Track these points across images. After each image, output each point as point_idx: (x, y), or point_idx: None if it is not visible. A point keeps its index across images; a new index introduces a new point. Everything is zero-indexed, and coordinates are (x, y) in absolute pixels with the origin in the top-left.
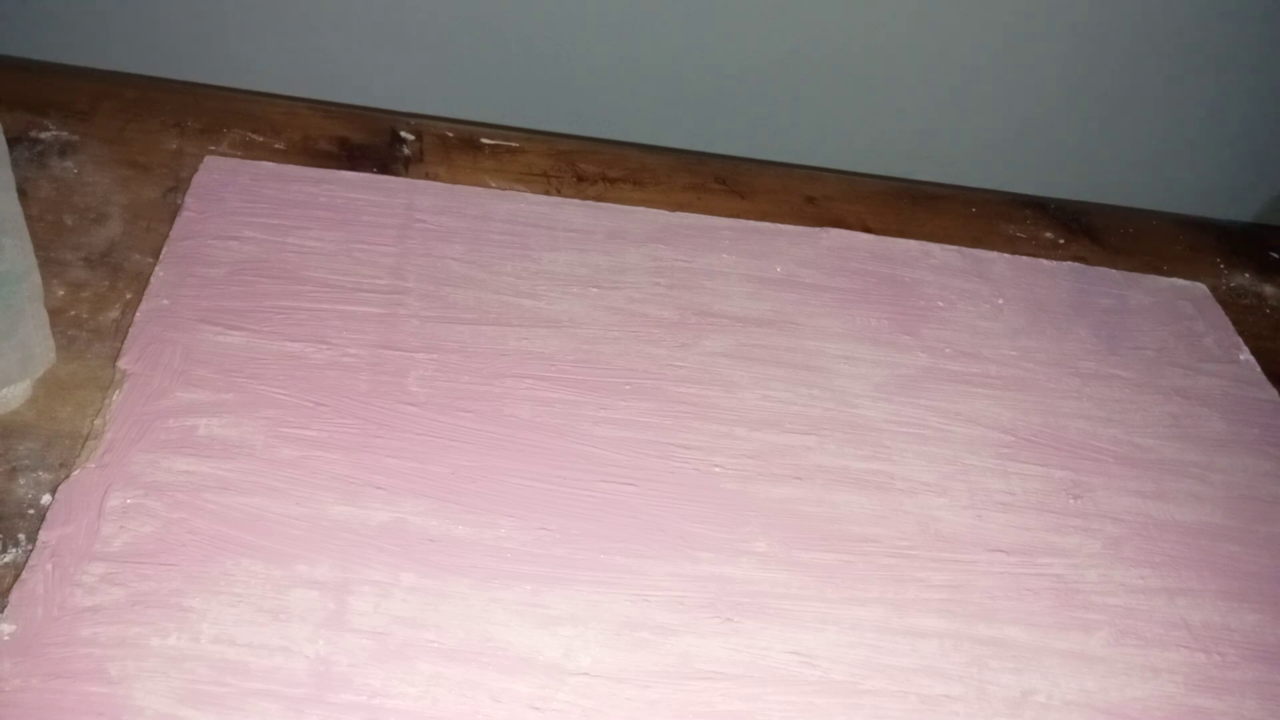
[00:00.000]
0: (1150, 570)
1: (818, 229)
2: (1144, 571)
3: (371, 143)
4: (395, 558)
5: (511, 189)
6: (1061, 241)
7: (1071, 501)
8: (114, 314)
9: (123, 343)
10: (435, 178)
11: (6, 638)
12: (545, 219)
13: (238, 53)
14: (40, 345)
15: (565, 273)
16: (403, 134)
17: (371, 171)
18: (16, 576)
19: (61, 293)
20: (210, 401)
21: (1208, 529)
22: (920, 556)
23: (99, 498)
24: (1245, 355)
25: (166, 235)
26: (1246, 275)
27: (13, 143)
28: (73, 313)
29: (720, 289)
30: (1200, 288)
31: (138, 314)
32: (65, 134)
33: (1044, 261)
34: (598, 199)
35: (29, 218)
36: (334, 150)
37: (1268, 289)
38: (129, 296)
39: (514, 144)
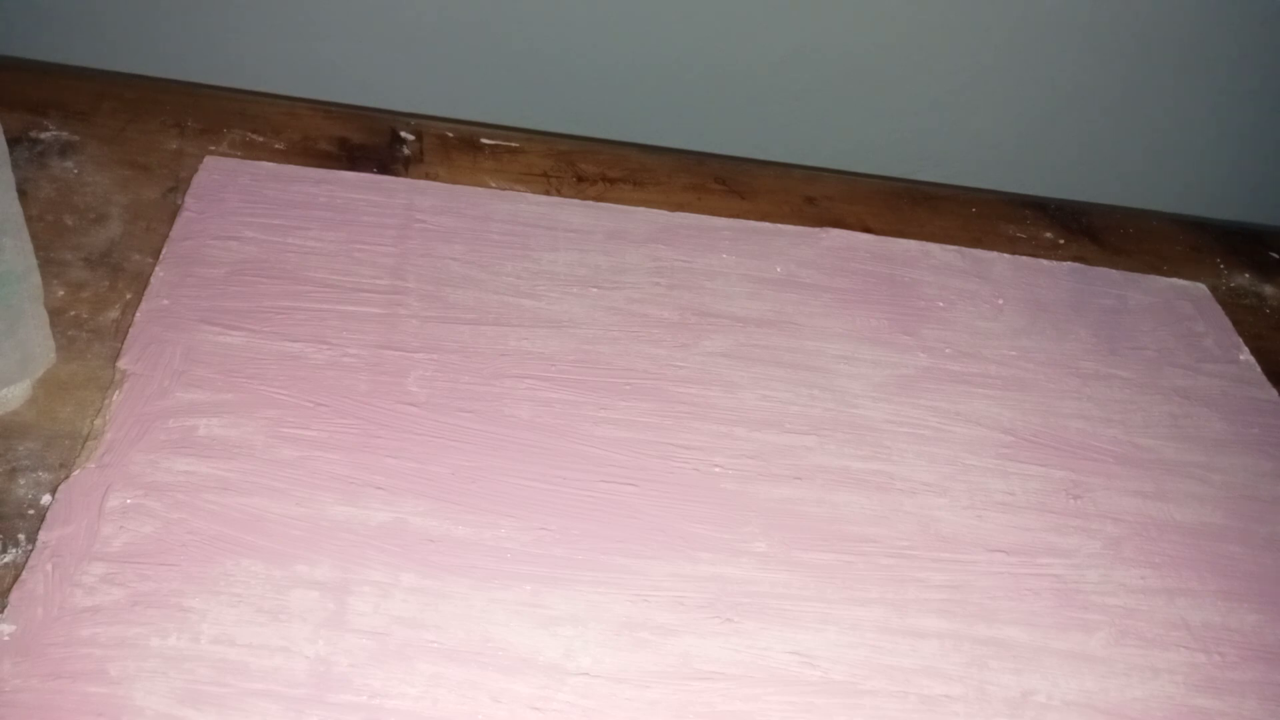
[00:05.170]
0: (1150, 570)
1: (818, 229)
2: (1144, 571)
3: (371, 143)
4: (395, 558)
5: (511, 189)
6: (1061, 241)
7: (1071, 501)
8: (114, 314)
9: (123, 343)
10: (435, 178)
11: (6, 638)
12: (545, 219)
13: (238, 53)
14: (40, 345)
15: (565, 273)
16: (403, 134)
17: (371, 171)
18: (16, 576)
19: (61, 293)
20: (210, 401)
21: (1208, 529)
22: (920, 556)
23: (99, 498)
24: (1245, 355)
25: (166, 235)
26: (1246, 275)
27: (13, 143)
28: (73, 313)
29: (720, 289)
30: (1200, 288)
31: (138, 314)
32: (65, 134)
33: (1044, 261)
34: (598, 199)
35: (29, 218)
36: (334, 150)
37: (1268, 289)
38: (129, 296)
39: (514, 144)
